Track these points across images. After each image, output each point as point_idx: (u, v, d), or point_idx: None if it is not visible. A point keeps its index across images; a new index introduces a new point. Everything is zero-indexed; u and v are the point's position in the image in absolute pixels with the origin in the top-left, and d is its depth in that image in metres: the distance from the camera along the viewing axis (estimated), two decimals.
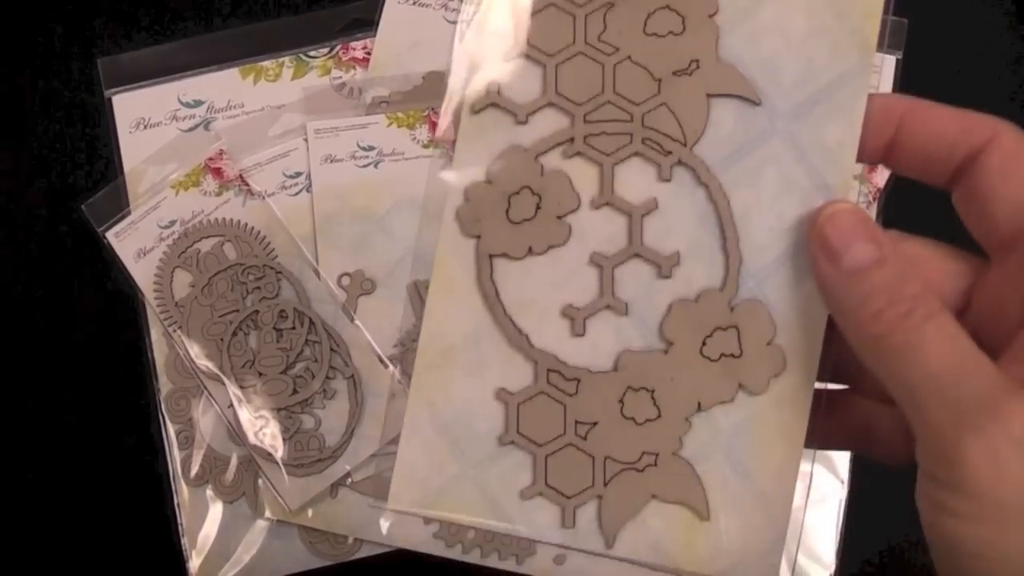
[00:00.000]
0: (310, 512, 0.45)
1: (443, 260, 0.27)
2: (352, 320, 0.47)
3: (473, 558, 0.45)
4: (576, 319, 0.26)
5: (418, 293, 0.47)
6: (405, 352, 0.47)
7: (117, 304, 0.48)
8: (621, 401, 0.25)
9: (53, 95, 0.52)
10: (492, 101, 0.27)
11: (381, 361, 0.47)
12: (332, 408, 0.46)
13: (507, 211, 0.26)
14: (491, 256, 0.26)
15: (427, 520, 0.45)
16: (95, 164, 0.50)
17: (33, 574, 0.47)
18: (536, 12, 0.26)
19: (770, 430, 0.25)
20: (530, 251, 0.26)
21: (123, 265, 0.47)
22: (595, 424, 0.25)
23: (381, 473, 0.46)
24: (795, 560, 0.46)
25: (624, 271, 0.26)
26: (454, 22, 0.52)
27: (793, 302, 0.25)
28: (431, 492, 0.26)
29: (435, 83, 0.50)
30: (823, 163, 0.26)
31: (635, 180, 0.26)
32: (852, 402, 0.27)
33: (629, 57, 0.26)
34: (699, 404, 0.26)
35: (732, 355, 0.25)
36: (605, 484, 0.25)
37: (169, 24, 0.52)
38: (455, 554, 0.45)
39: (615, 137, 0.26)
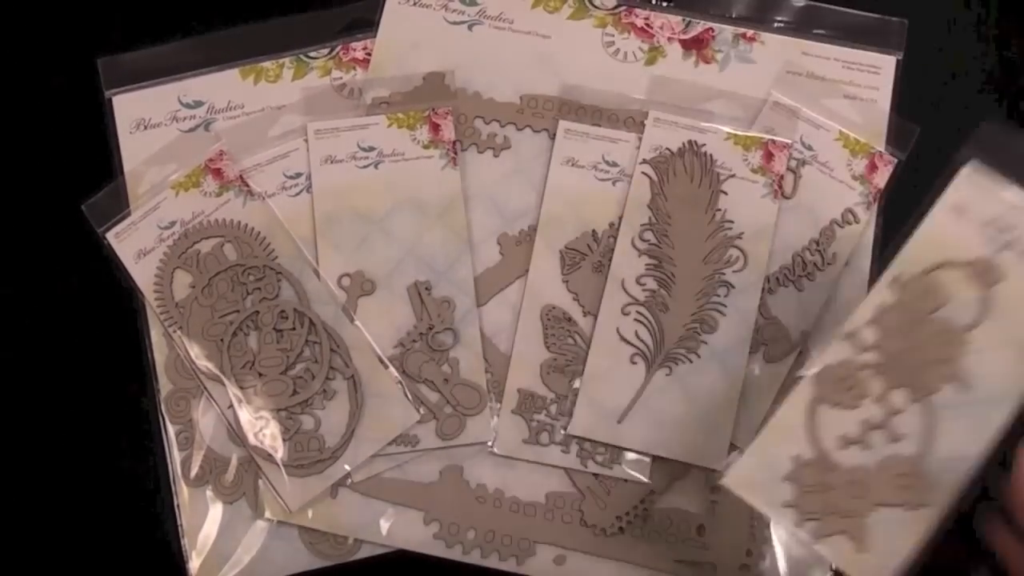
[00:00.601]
0: (310, 513, 0.45)
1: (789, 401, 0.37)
2: (352, 320, 0.47)
3: (473, 559, 0.45)
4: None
5: (418, 293, 0.47)
6: (405, 352, 0.47)
7: (117, 304, 0.48)
8: None
9: (53, 95, 0.52)
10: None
11: (381, 361, 0.46)
12: (332, 408, 0.46)
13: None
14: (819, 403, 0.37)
15: (427, 520, 0.46)
16: (95, 164, 0.50)
17: (34, 574, 0.47)
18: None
19: None
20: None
21: (123, 265, 0.47)
22: None
23: (381, 474, 0.46)
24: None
25: None
26: (454, 22, 0.52)
27: None
28: (759, 485, 0.36)
29: (435, 83, 0.50)
30: None
31: None
32: None
33: None
34: None
35: None
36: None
37: (169, 24, 0.52)
38: (455, 555, 0.45)
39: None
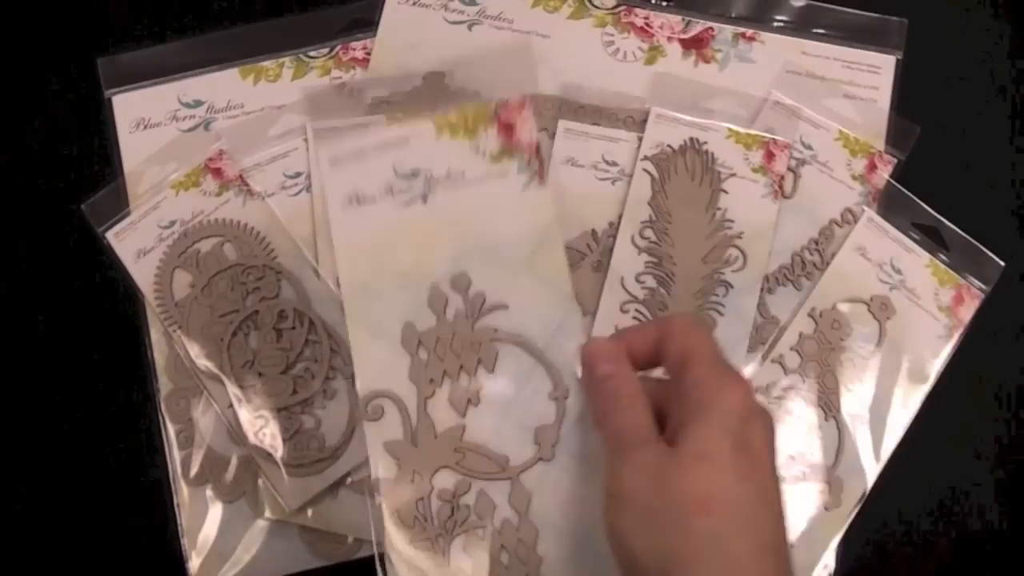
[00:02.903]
0: (310, 512, 0.45)
1: None
2: None
3: None
4: None
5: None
6: None
7: (117, 304, 0.48)
8: None
9: (53, 95, 0.52)
10: None
11: None
12: (332, 408, 0.46)
13: None
14: None
15: None
16: (95, 164, 0.50)
17: (33, 574, 0.47)
18: None
19: None
20: None
21: (123, 265, 0.47)
22: None
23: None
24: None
25: None
26: (454, 22, 0.52)
27: None
28: None
29: (435, 83, 0.50)
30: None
31: None
32: None
33: None
34: None
35: None
36: None
37: (169, 24, 0.53)
38: None
39: None
